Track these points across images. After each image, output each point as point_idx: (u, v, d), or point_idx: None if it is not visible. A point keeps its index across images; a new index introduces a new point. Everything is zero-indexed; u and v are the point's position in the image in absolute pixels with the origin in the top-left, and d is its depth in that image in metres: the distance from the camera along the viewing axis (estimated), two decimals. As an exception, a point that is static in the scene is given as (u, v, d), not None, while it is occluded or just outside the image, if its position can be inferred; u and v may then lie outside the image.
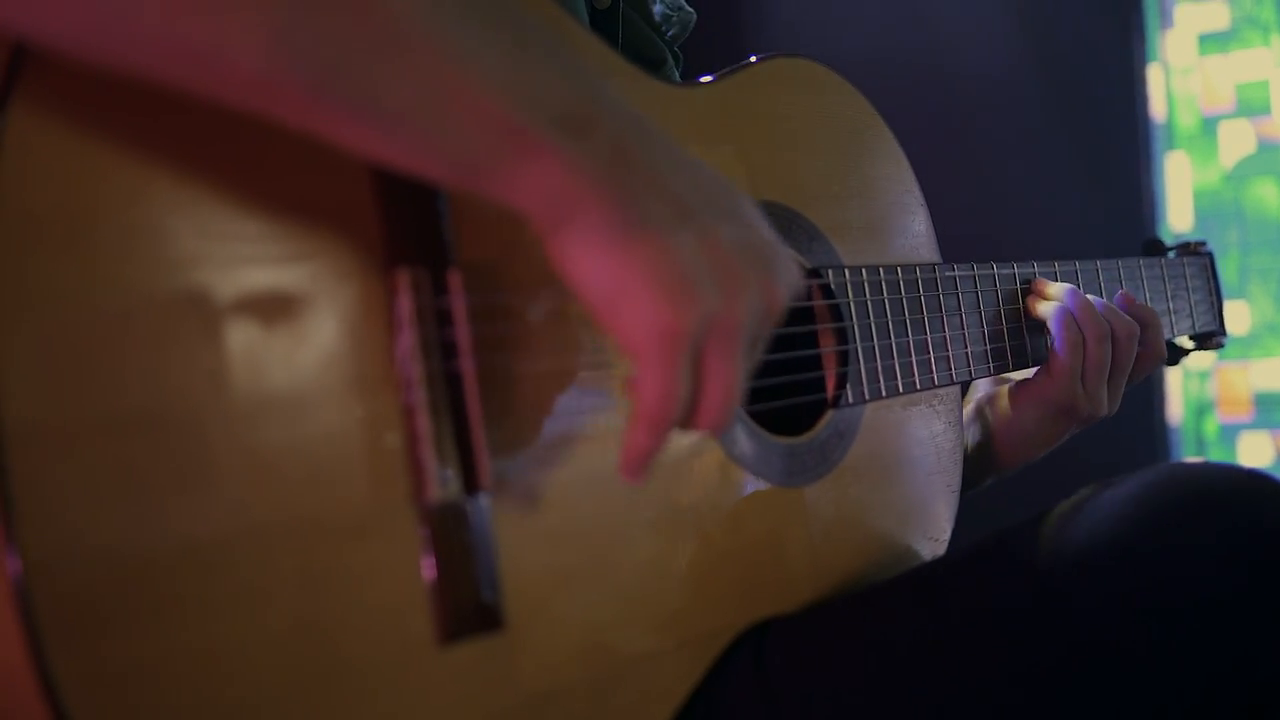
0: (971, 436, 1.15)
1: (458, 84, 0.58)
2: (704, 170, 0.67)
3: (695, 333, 0.62)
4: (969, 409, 1.17)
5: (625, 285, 0.61)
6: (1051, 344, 1.07)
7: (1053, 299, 1.08)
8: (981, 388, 1.18)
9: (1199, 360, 2.38)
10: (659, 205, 0.62)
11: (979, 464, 1.14)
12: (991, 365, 1.07)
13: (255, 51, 0.54)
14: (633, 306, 0.62)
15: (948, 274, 1.03)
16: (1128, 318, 1.10)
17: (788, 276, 0.68)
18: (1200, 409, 2.42)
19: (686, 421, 0.65)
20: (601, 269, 0.61)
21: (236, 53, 0.54)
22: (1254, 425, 2.38)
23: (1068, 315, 1.06)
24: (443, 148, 0.59)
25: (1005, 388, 1.14)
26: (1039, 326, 1.10)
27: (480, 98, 0.58)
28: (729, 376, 0.65)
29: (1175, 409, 2.42)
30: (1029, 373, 1.11)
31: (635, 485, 0.73)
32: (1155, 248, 1.38)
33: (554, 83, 0.61)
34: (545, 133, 0.59)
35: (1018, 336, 1.09)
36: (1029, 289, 1.10)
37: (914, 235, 1.05)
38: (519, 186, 0.60)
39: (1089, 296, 1.09)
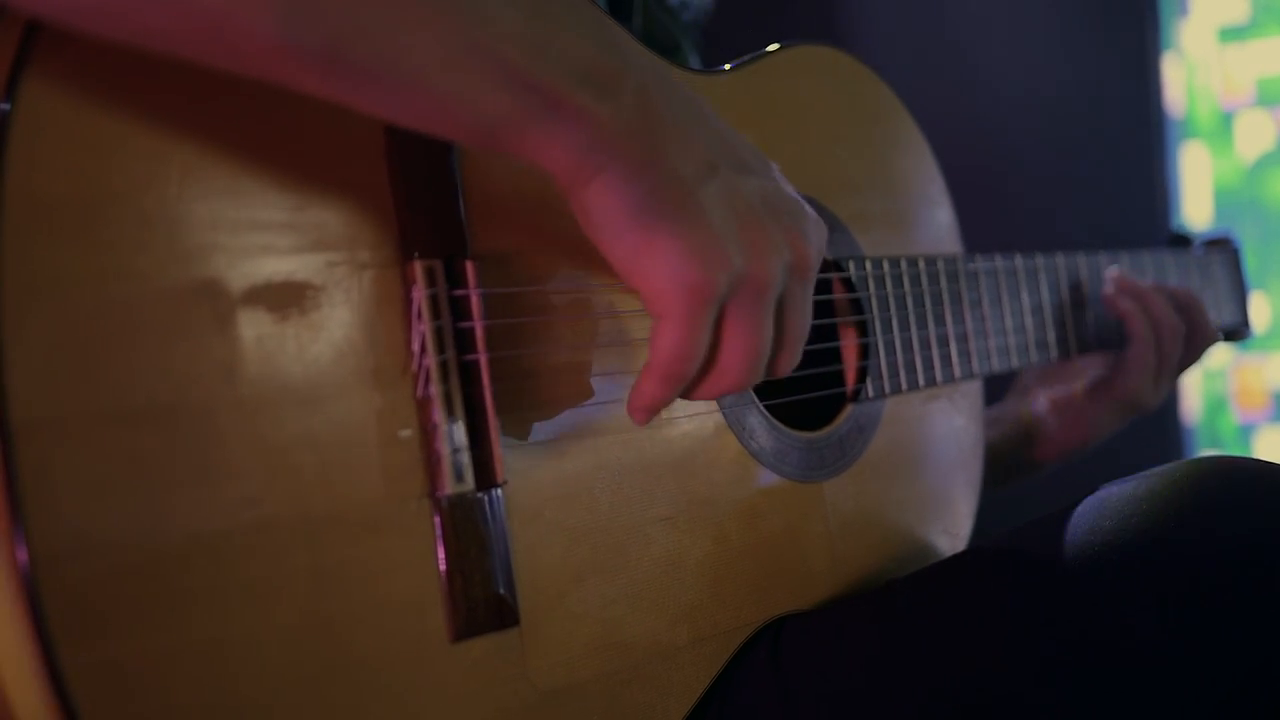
0: (1014, 433, 1.20)
1: (478, 44, 0.57)
2: (726, 126, 0.66)
3: (721, 290, 0.62)
4: (1007, 407, 1.22)
5: (651, 241, 0.60)
6: (1130, 342, 1.13)
7: (1126, 294, 1.14)
8: (1025, 384, 1.23)
9: (1217, 356, 2.36)
10: (684, 160, 0.62)
11: (1022, 460, 1.20)
12: (1014, 358, 1.06)
13: (270, 15, 0.53)
14: (659, 262, 0.61)
15: (970, 266, 1.02)
16: (1202, 316, 1.17)
17: (815, 232, 0.67)
18: (1217, 405, 2.41)
19: (701, 381, 0.65)
20: (627, 227, 0.60)
21: (250, 17, 0.53)
22: (1273, 420, 2.36)
23: (1144, 315, 1.13)
24: (464, 109, 0.58)
25: (1064, 392, 1.20)
26: (1065, 319, 1.11)
27: (503, 55, 0.57)
28: (752, 336, 0.64)
29: (1192, 406, 2.40)
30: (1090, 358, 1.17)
31: (639, 427, 0.74)
32: (1181, 241, 1.37)
33: (577, 39, 0.60)
34: (571, 90, 0.58)
35: (1041, 329, 1.08)
36: (1108, 281, 1.15)
37: (936, 227, 1.04)
38: (544, 145, 0.59)
39: (1162, 291, 1.16)
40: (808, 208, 0.67)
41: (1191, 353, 1.18)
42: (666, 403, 0.65)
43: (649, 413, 0.66)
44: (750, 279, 0.63)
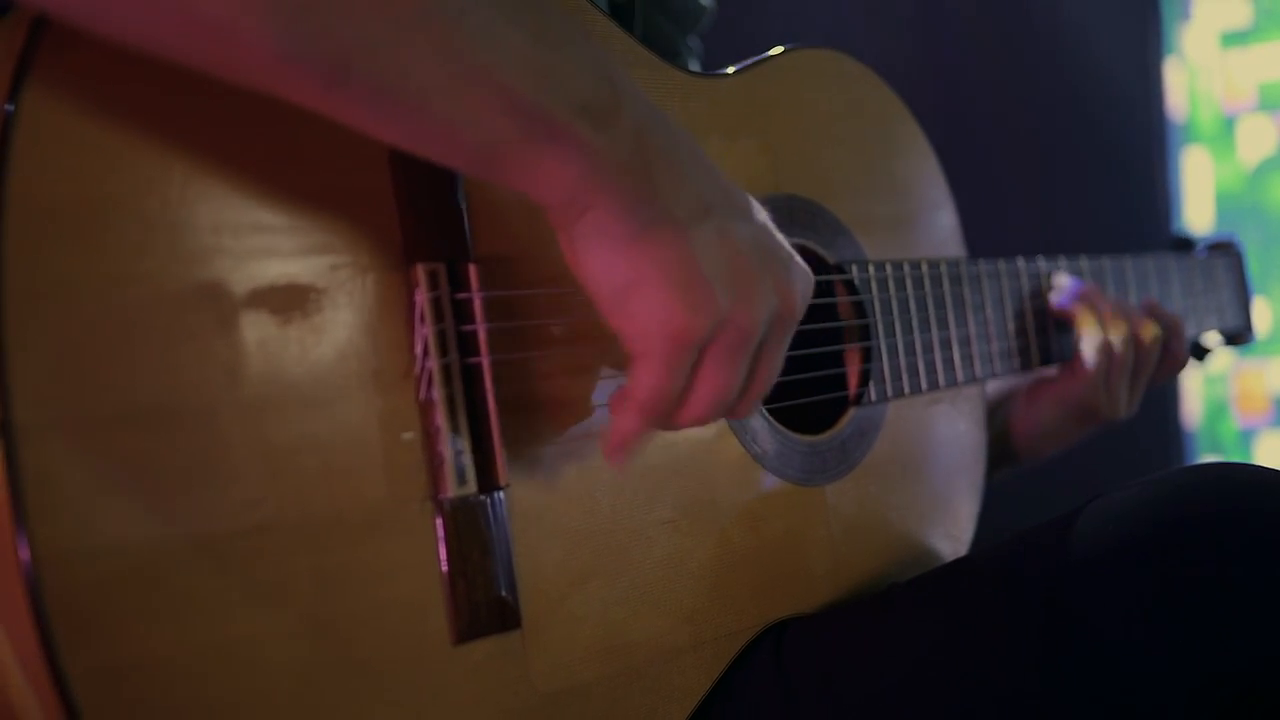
0: (990, 428, 1.16)
1: (481, 69, 0.57)
2: (718, 170, 0.66)
3: (704, 336, 0.62)
4: (989, 400, 1.18)
5: (639, 281, 0.61)
6: (1075, 344, 1.08)
7: (1075, 297, 1.09)
8: (1001, 381, 1.19)
9: (1218, 362, 2.36)
10: (678, 200, 0.62)
11: (995, 455, 1.15)
12: (1017, 362, 1.06)
13: (273, 32, 0.53)
14: (645, 303, 0.61)
15: (972, 270, 1.02)
16: (1150, 320, 1.11)
17: (803, 283, 0.67)
18: (1218, 410, 2.41)
19: (670, 415, 0.65)
20: (616, 263, 0.61)
21: (254, 32, 0.53)
22: (1273, 425, 2.36)
23: (1091, 315, 1.08)
24: (463, 133, 0.58)
25: (1026, 383, 1.15)
26: (1065, 323, 1.10)
27: (503, 83, 0.57)
28: (724, 381, 0.64)
29: (1193, 411, 2.40)
30: (1052, 369, 1.12)
31: (617, 469, 0.73)
32: (1184, 245, 1.37)
33: (578, 71, 0.60)
34: (568, 120, 0.58)
35: (1043, 333, 1.08)
36: (1050, 286, 1.11)
37: (939, 230, 1.04)
38: (538, 175, 0.59)
39: (1114, 296, 1.09)
40: (797, 257, 0.67)
41: (1162, 370, 1.13)
42: (641, 439, 0.65)
43: (626, 452, 0.65)
44: (734, 326, 0.63)
